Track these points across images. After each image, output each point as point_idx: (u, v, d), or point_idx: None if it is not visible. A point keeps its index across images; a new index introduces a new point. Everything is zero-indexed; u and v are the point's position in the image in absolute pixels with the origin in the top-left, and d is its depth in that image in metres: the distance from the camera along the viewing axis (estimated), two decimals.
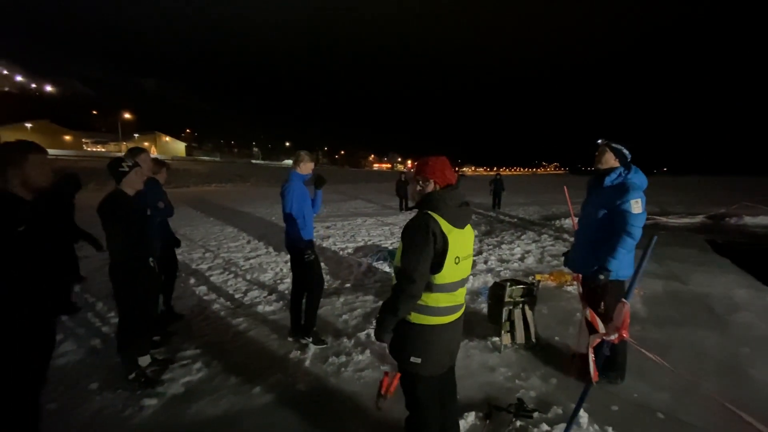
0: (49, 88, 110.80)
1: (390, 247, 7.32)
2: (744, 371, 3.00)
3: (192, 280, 5.33)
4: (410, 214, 1.77)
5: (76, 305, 4.26)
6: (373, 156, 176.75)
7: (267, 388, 2.80)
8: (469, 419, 2.38)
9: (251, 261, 6.43)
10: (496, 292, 3.40)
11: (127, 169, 2.71)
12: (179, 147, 79.79)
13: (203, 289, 4.99)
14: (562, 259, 3.17)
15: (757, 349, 3.31)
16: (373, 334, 1.83)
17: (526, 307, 3.38)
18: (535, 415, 2.43)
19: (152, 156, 3.67)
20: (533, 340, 3.35)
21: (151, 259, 2.81)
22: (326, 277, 5.16)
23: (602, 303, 2.64)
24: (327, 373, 3.00)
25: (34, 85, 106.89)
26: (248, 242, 8.04)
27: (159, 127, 79.19)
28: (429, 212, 1.66)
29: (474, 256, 6.66)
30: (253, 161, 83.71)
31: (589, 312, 2.53)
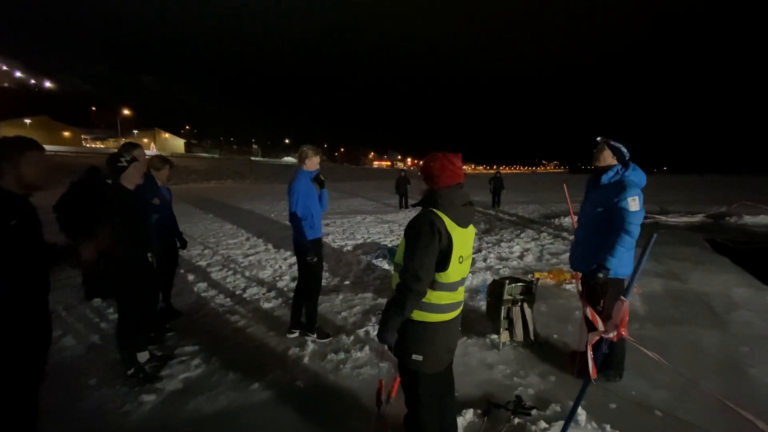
0: (48, 84, 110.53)
1: (389, 245, 7.32)
2: (743, 370, 3.00)
3: (191, 277, 5.33)
4: (410, 212, 1.76)
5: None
6: (372, 154, 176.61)
7: (266, 384, 2.80)
8: (467, 416, 2.38)
9: (250, 258, 6.43)
10: (495, 289, 3.40)
11: (125, 164, 2.71)
12: (178, 143, 79.72)
13: (202, 285, 4.98)
14: (563, 257, 3.17)
15: (756, 348, 3.31)
16: (375, 335, 1.82)
17: (525, 305, 3.38)
18: (533, 412, 2.43)
19: (156, 153, 3.66)
20: (532, 337, 3.35)
21: (149, 254, 2.80)
22: (325, 275, 5.16)
23: (602, 301, 2.64)
24: (326, 370, 3.00)
25: (33, 81, 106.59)
26: (247, 239, 8.04)
27: (158, 124, 79.14)
28: (434, 210, 1.65)
29: (473, 253, 6.66)
30: (253, 158, 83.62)
31: (589, 310, 2.52)
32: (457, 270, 1.68)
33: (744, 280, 5.26)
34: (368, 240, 8.05)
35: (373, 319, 3.86)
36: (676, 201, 17.12)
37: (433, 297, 1.68)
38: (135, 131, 71.87)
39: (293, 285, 5.02)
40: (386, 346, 1.81)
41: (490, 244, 7.48)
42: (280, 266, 5.94)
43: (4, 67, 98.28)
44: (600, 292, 2.65)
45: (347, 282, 5.19)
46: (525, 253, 6.70)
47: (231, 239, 8.03)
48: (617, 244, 2.51)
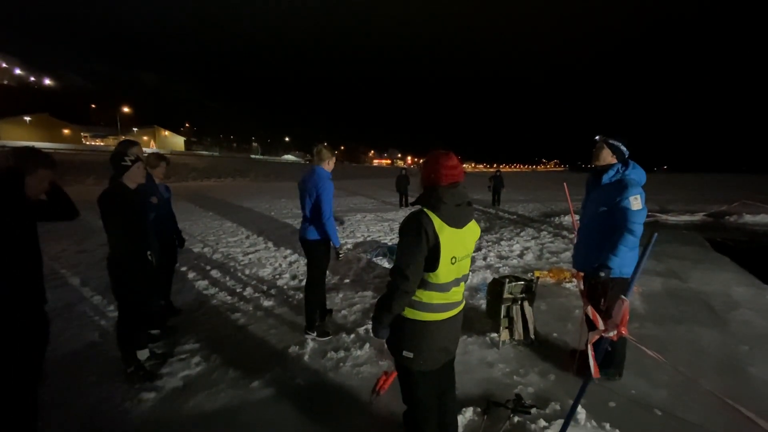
0: (48, 82, 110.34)
1: (389, 243, 7.32)
2: (743, 369, 3.00)
3: (191, 275, 5.32)
4: (409, 210, 1.76)
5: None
6: (373, 152, 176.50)
7: (265, 382, 2.80)
8: (467, 414, 2.39)
9: (250, 256, 6.43)
10: (495, 288, 3.40)
11: (129, 163, 2.71)
12: (178, 141, 79.66)
13: (202, 283, 4.98)
14: (563, 256, 3.17)
15: (756, 347, 3.32)
16: (370, 330, 1.82)
17: (525, 304, 3.38)
18: (533, 410, 2.43)
19: (152, 150, 3.65)
20: (532, 336, 3.35)
21: (149, 252, 2.80)
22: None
23: (603, 300, 2.63)
24: (326, 368, 3.00)
25: (33, 79, 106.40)
26: (247, 237, 8.03)
27: (158, 121, 79.09)
28: (425, 209, 1.65)
29: (473, 252, 6.66)
30: (252, 156, 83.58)
31: (590, 309, 2.52)
32: (449, 271, 1.66)
33: (744, 279, 5.26)
34: (368, 238, 8.05)
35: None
36: (676, 200, 17.12)
37: (424, 296, 1.68)
38: (135, 129, 71.84)
39: (293, 283, 5.03)
40: (386, 344, 1.82)
41: (490, 243, 7.48)
42: (280, 264, 5.93)
43: (4, 65, 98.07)
44: (601, 291, 2.65)
45: (347, 280, 5.18)
46: (525, 252, 6.70)
47: (231, 237, 8.02)
48: (620, 244, 2.50)
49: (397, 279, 1.62)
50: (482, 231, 8.94)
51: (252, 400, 2.61)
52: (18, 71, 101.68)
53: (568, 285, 4.89)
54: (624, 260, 2.57)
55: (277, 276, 5.35)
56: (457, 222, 1.67)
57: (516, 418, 2.37)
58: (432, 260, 1.62)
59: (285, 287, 4.90)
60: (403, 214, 11.88)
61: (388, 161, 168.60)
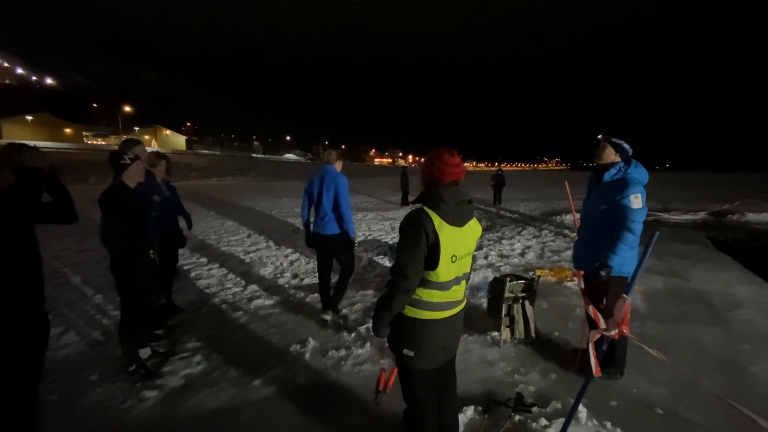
0: (49, 81, 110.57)
1: (390, 242, 7.32)
2: (744, 368, 3.00)
3: (192, 274, 5.33)
4: (409, 209, 1.76)
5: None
6: (374, 151, 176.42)
7: (266, 381, 2.80)
8: (468, 413, 2.39)
9: (251, 255, 6.43)
10: (496, 287, 3.40)
11: (128, 162, 2.71)
12: (179, 140, 79.74)
13: (203, 282, 4.99)
14: (564, 254, 3.16)
15: (757, 346, 3.31)
16: (371, 329, 1.82)
17: (526, 303, 3.37)
18: (534, 409, 2.44)
19: (152, 149, 3.66)
20: (533, 335, 3.35)
21: (151, 251, 2.80)
22: None
23: (604, 299, 2.63)
24: (327, 367, 3.00)
25: (34, 78, 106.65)
26: (248, 236, 8.04)
27: (159, 121, 79.21)
28: (424, 208, 1.65)
29: (474, 251, 6.65)
30: (254, 155, 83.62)
31: (591, 308, 2.52)
32: (449, 269, 1.66)
33: (746, 278, 5.25)
34: (369, 237, 8.05)
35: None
36: (678, 198, 17.08)
37: (424, 295, 1.68)
38: (136, 128, 71.94)
39: (294, 282, 5.04)
40: (387, 343, 1.82)
41: (491, 242, 7.47)
42: (281, 263, 5.94)
43: (6, 64, 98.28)
44: (602, 290, 2.65)
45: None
46: (526, 251, 6.70)
47: (232, 236, 8.03)
48: (619, 242, 2.50)
49: (397, 277, 1.63)
50: (483, 230, 8.92)
51: (253, 399, 2.62)
52: (20, 71, 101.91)
53: (569, 284, 4.88)
54: (624, 259, 2.56)
55: (278, 275, 5.35)
56: (458, 220, 1.67)
57: (517, 417, 2.37)
58: (432, 259, 1.61)
59: (286, 286, 4.90)
60: (404, 212, 11.88)
61: (389, 160, 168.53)
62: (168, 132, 77.29)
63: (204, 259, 6.13)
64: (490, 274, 5.22)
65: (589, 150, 2.85)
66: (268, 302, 4.34)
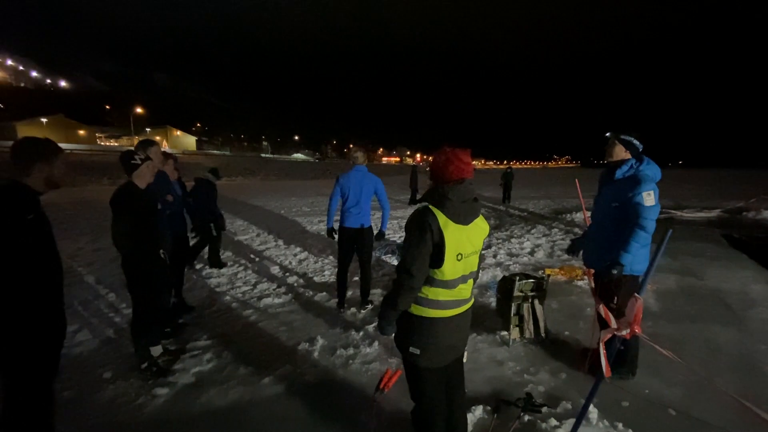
0: (63, 83, 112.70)
1: (398, 241, 7.31)
2: (760, 368, 2.94)
3: (203, 273, 5.39)
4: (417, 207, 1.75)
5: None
6: (381, 149, 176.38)
7: (276, 378, 2.83)
8: (476, 413, 2.38)
9: (260, 254, 6.48)
10: (505, 286, 3.38)
11: (139, 162, 2.74)
12: (190, 141, 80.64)
13: (214, 281, 5.05)
14: (569, 244, 3.11)
15: None
16: (377, 327, 1.83)
17: (536, 302, 3.34)
18: (544, 409, 2.41)
19: (162, 149, 3.72)
20: (543, 334, 3.32)
21: (162, 251, 2.84)
22: (334, 271, 5.18)
23: (615, 298, 2.59)
24: (335, 365, 3.01)
25: (48, 81, 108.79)
26: (257, 235, 8.10)
27: (170, 121, 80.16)
28: (429, 206, 1.65)
29: (483, 249, 6.62)
30: (263, 155, 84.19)
31: (601, 307, 2.49)
32: (454, 268, 1.65)
33: (762, 277, 5.14)
34: None
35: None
36: (691, 196, 16.77)
37: (430, 293, 1.68)
38: (148, 129, 72.95)
39: (303, 281, 5.07)
40: (394, 341, 1.82)
41: (500, 240, 7.42)
42: (290, 262, 5.98)
43: (21, 67, 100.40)
44: (614, 288, 2.61)
45: (356, 278, 5.19)
46: (536, 249, 6.64)
47: (241, 235, 8.10)
48: (632, 240, 2.46)
49: (402, 276, 1.63)
50: (492, 228, 8.87)
51: (262, 396, 2.64)
52: (34, 73, 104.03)
53: (579, 283, 4.83)
54: (636, 257, 2.52)
55: (287, 274, 5.39)
56: (463, 218, 1.66)
57: (526, 417, 2.35)
58: (437, 257, 1.61)
59: (295, 285, 4.93)
60: (412, 211, 11.83)
61: (397, 159, 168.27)
62: (178, 132, 78.20)
63: None
64: (500, 273, 5.19)
65: (600, 147, 2.81)
66: (277, 301, 4.37)
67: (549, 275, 3.65)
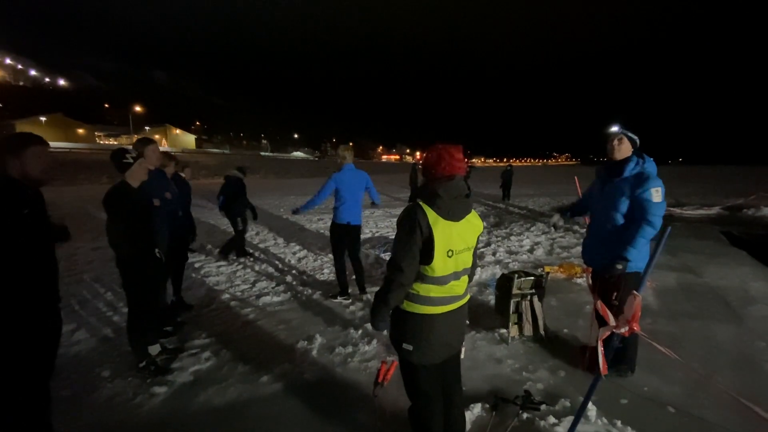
0: (62, 82, 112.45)
1: None
2: (759, 366, 2.93)
3: (201, 271, 5.39)
4: None
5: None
6: (381, 147, 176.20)
7: (274, 377, 2.82)
8: (475, 410, 2.37)
9: (259, 252, 6.48)
10: (504, 283, 3.37)
11: (131, 161, 2.71)
12: (189, 139, 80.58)
13: (212, 279, 5.04)
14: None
15: None
16: (370, 323, 1.84)
17: (535, 299, 3.34)
18: (543, 407, 2.41)
19: (161, 149, 3.72)
20: (541, 332, 3.32)
21: (157, 249, 2.82)
22: (333, 269, 5.17)
23: (615, 294, 2.58)
24: (334, 363, 3.01)
25: (47, 79, 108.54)
26: (257, 234, 8.09)
27: (169, 120, 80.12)
28: (419, 203, 1.65)
29: (482, 247, 6.61)
30: (262, 153, 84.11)
31: (600, 305, 2.48)
32: (445, 264, 1.64)
33: (761, 274, 5.14)
34: (376, 234, 8.05)
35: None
36: (691, 193, 16.77)
37: (421, 289, 1.68)
38: (147, 128, 72.89)
39: (301, 279, 5.07)
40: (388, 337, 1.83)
41: (499, 238, 7.42)
42: (289, 260, 5.97)
43: (19, 66, 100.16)
44: (614, 284, 2.61)
45: (354, 276, 5.19)
46: (535, 247, 6.63)
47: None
48: (638, 236, 2.46)
49: (392, 271, 1.64)
50: (492, 226, 8.86)
51: (261, 395, 2.64)
52: (33, 72, 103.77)
53: (578, 280, 4.83)
54: (640, 253, 2.52)
55: (286, 272, 5.38)
56: (454, 215, 1.65)
57: (525, 415, 2.35)
58: (426, 253, 1.61)
59: (294, 283, 4.92)
60: None
61: (397, 157, 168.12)
62: (178, 131, 78.14)
63: (213, 257, 6.18)
64: (499, 271, 5.18)
65: (601, 144, 2.79)
66: (276, 299, 4.36)
67: (548, 273, 3.64)
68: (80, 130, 64.13)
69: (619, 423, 2.25)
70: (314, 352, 3.17)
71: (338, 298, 4.28)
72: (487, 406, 2.42)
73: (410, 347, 1.72)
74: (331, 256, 5.95)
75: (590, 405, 2.28)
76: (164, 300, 3.40)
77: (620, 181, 2.63)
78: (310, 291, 4.62)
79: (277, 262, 5.86)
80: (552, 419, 2.28)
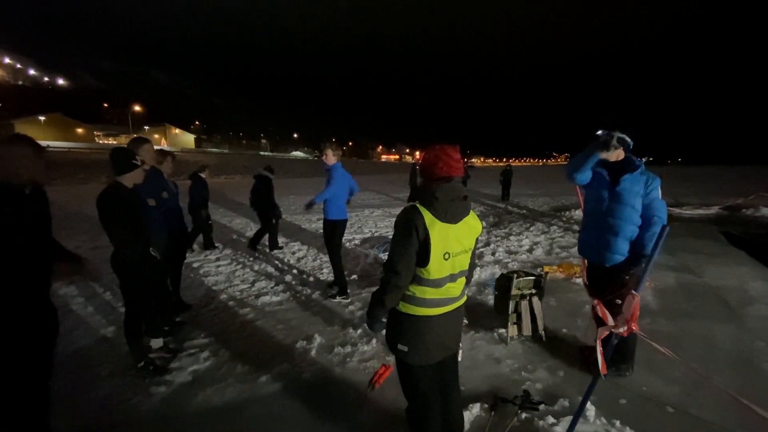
0: (61, 82, 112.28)
1: None
2: (758, 365, 2.93)
3: (200, 271, 5.38)
4: None
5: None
6: (381, 147, 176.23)
7: (273, 377, 2.82)
8: (474, 410, 2.37)
9: (258, 252, 6.47)
10: (503, 283, 3.37)
11: (138, 165, 2.74)
12: (188, 139, 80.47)
13: (211, 279, 5.03)
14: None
15: None
16: (365, 324, 1.84)
17: (534, 299, 3.34)
18: (541, 407, 2.41)
19: (157, 147, 3.71)
20: (540, 332, 3.31)
21: (151, 249, 2.80)
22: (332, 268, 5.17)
23: (620, 293, 2.59)
24: (332, 363, 3.01)
25: (47, 79, 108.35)
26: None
27: (168, 119, 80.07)
28: (416, 205, 1.65)
29: (481, 247, 6.61)
30: (262, 153, 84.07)
31: (598, 305, 2.48)
32: (441, 266, 1.64)
33: (760, 274, 5.14)
34: (376, 234, 8.05)
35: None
36: (690, 193, 16.77)
37: (417, 291, 1.68)
38: (146, 127, 72.82)
39: (300, 279, 5.06)
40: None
41: (498, 238, 7.42)
42: (288, 260, 5.97)
43: (18, 65, 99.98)
44: (621, 283, 2.62)
45: (354, 276, 5.19)
46: (534, 247, 6.63)
47: (240, 233, 8.09)
48: (656, 233, 2.49)
49: (388, 273, 1.64)
50: (491, 226, 8.86)
51: (259, 395, 2.63)
52: (32, 71, 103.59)
53: (578, 280, 4.82)
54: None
55: (285, 271, 5.38)
56: (451, 217, 1.64)
57: (524, 415, 2.35)
58: (423, 255, 1.61)
59: (293, 283, 4.92)
60: None
61: (396, 156, 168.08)
62: (177, 131, 78.00)
63: (212, 256, 6.18)
64: (498, 271, 5.18)
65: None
66: (275, 299, 4.36)
67: (547, 273, 3.64)
68: (79, 130, 63.95)
69: (618, 423, 2.25)
70: (313, 352, 3.17)
71: (337, 297, 4.28)
72: (486, 406, 2.42)
73: (405, 348, 1.72)
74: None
75: (589, 405, 2.28)
76: (170, 295, 3.40)
77: (626, 181, 2.63)
78: (309, 291, 4.62)
79: (276, 262, 5.86)
80: (551, 419, 2.28)
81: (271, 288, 4.70)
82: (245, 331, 3.59)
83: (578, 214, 10.11)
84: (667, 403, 2.47)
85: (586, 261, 2.96)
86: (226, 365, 3.00)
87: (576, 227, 8.48)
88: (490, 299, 4.05)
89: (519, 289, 3.30)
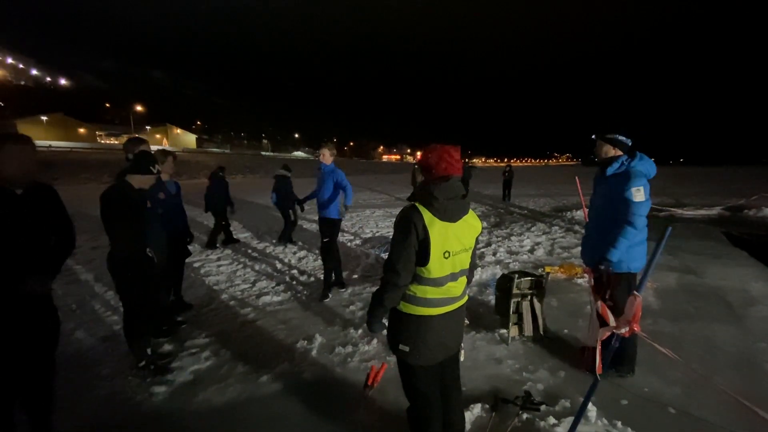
0: (63, 82, 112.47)
1: None
2: (760, 367, 2.92)
3: (201, 271, 5.39)
4: None
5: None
6: (382, 147, 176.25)
7: (274, 377, 2.82)
8: (475, 411, 2.37)
9: (259, 252, 6.48)
10: (504, 284, 3.36)
11: (155, 173, 2.79)
12: (190, 139, 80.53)
13: (212, 279, 5.04)
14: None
15: None
16: (366, 324, 1.84)
17: (535, 300, 3.33)
18: (543, 408, 2.40)
19: (159, 147, 3.70)
20: (542, 332, 3.31)
21: (148, 249, 2.80)
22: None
23: (608, 293, 2.59)
24: (333, 363, 3.01)
25: (48, 79, 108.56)
26: (257, 233, 8.10)
27: (170, 119, 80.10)
28: (416, 204, 1.65)
29: (483, 247, 6.60)
30: (263, 153, 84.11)
31: (600, 305, 2.47)
32: (441, 265, 1.64)
33: (762, 274, 5.12)
34: (377, 234, 8.05)
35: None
36: (692, 193, 16.74)
37: (418, 291, 1.68)
38: (148, 127, 72.89)
39: (302, 278, 5.07)
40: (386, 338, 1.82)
41: (500, 238, 7.41)
42: (289, 260, 5.97)
43: (20, 65, 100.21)
44: (606, 285, 2.61)
45: (355, 276, 5.19)
46: (536, 247, 6.62)
47: (241, 233, 8.10)
48: (620, 236, 2.47)
49: (388, 273, 1.64)
50: (492, 226, 8.85)
51: (260, 395, 2.63)
52: (34, 71, 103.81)
53: (579, 281, 4.82)
54: (630, 254, 2.53)
55: (286, 271, 5.38)
56: (450, 216, 1.64)
57: (525, 415, 2.34)
58: (423, 254, 1.61)
59: (294, 282, 4.92)
60: None
61: (398, 157, 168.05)
62: (178, 130, 78.08)
63: (213, 256, 6.19)
64: (499, 271, 5.17)
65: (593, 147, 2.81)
66: (275, 299, 4.36)
67: (548, 273, 3.63)
68: (81, 130, 64.04)
69: (619, 424, 2.25)
70: (314, 352, 3.17)
71: (332, 289, 4.50)
72: (487, 406, 2.42)
73: (407, 348, 1.71)
74: None
75: (590, 405, 2.28)
76: (163, 301, 3.39)
77: (606, 181, 2.65)
78: (309, 291, 4.62)
79: (276, 262, 5.86)
80: (552, 420, 2.27)
81: (272, 288, 4.71)
82: (246, 330, 3.60)
83: (579, 214, 10.09)
84: (669, 404, 2.46)
85: None
86: (227, 365, 3.00)
87: (577, 228, 8.46)
88: (491, 299, 4.04)
89: (520, 289, 3.29)
